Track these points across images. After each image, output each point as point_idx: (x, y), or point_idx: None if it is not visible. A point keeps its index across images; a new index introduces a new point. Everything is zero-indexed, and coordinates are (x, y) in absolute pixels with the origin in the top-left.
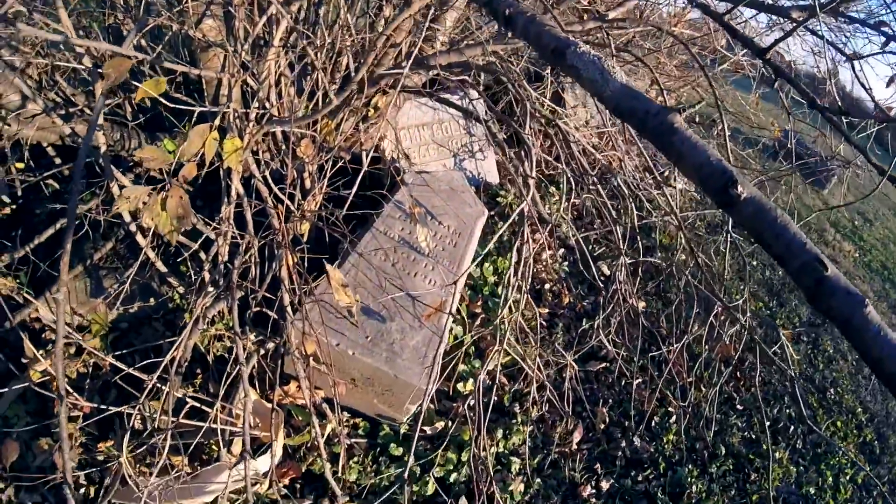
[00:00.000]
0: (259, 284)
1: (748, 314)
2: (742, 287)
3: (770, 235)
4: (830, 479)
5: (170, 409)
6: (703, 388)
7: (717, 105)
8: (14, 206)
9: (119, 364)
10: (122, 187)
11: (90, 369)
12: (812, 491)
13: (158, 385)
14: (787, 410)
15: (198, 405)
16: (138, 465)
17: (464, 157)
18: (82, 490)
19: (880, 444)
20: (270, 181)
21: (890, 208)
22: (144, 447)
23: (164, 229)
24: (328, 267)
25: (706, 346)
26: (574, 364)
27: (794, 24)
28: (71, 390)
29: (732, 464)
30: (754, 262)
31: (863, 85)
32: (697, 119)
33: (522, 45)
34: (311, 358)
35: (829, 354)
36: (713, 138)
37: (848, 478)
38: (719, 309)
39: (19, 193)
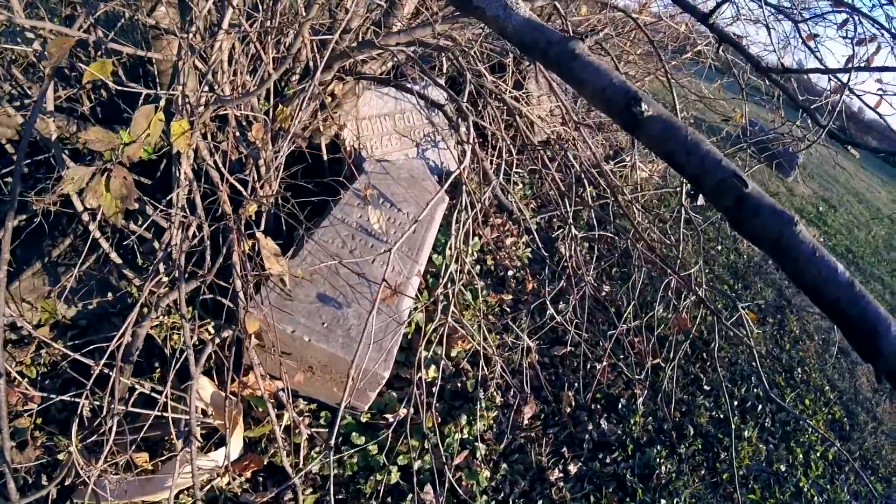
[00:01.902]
0: (210, 270)
1: (704, 287)
2: (706, 270)
3: (681, 154)
4: (801, 456)
5: (116, 395)
6: (668, 371)
7: (669, 88)
8: None
9: (66, 351)
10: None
11: (49, 368)
12: (783, 468)
13: (107, 371)
14: (755, 390)
15: (155, 395)
16: (94, 460)
17: (426, 146)
18: (44, 492)
19: (849, 420)
20: (221, 166)
21: (854, 195)
22: (99, 441)
23: (109, 211)
24: (258, 234)
25: (666, 321)
26: (531, 345)
27: None
28: (20, 379)
29: (701, 444)
30: (718, 248)
31: (819, 60)
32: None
33: (478, 29)
34: (254, 337)
35: (795, 335)
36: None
37: (819, 454)
38: (675, 282)
39: None
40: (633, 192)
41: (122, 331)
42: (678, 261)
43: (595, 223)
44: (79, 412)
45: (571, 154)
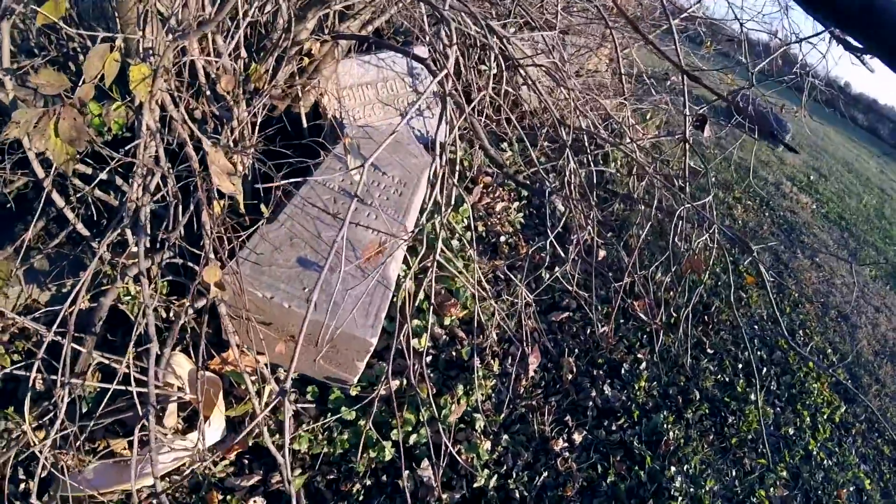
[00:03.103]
0: (175, 227)
1: (715, 224)
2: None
3: None
4: (808, 418)
5: (68, 365)
6: (672, 333)
7: (653, 47)
8: None
9: (13, 316)
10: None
11: (24, 356)
12: (791, 431)
13: (58, 340)
14: (759, 353)
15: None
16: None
17: (411, 115)
18: (21, 486)
19: (853, 383)
20: (187, 118)
21: (843, 165)
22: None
23: (59, 158)
24: (207, 146)
25: (673, 271)
26: (529, 296)
27: None
28: None
29: (708, 408)
30: (714, 213)
31: None
32: (651, 75)
33: None
34: (214, 287)
35: (794, 298)
36: (666, 91)
37: (825, 417)
38: (685, 220)
39: None
40: (632, 140)
41: (73, 295)
42: (683, 201)
43: (593, 175)
44: (30, 384)
45: (564, 106)
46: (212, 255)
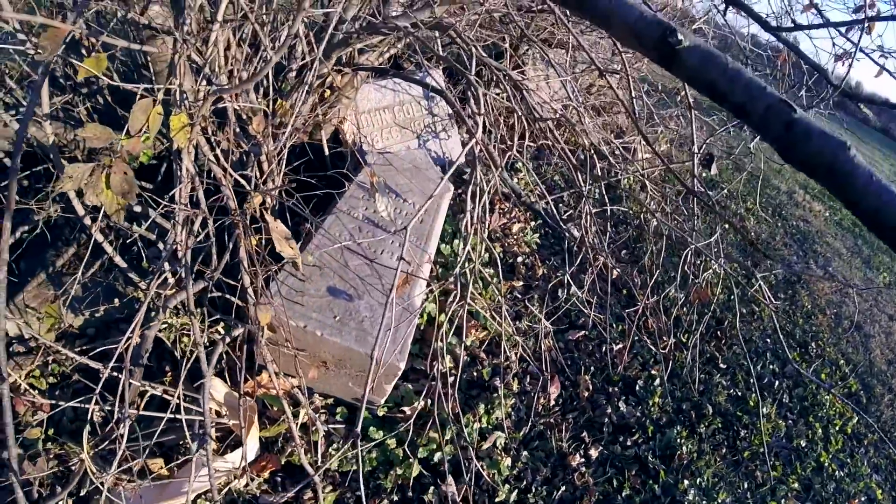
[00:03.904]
0: (217, 267)
1: (722, 257)
2: (715, 249)
3: (724, 82)
4: (820, 430)
5: (127, 399)
6: (685, 350)
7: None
8: None
9: (72, 355)
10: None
11: (59, 379)
12: (803, 443)
13: (116, 375)
14: (771, 366)
15: (167, 398)
16: (108, 467)
17: (427, 137)
18: (57, 499)
19: (866, 393)
20: (224, 161)
21: None
22: (112, 448)
23: (110, 208)
24: (268, 216)
25: (680, 300)
26: (549, 326)
27: None
28: (25, 386)
29: (721, 422)
30: (726, 226)
31: (823, 17)
32: (660, 89)
33: (474, 16)
34: (266, 329)
35: (807, 310)
36: (677, 105)
37: (837, 428)
38: (691, 254)
39: None
40: (642, 168)
41: (128, 331)
42: (693, 232)
43: (606, 201)
44: (89, 418)
45: (579, 129)
46: (248, 286)
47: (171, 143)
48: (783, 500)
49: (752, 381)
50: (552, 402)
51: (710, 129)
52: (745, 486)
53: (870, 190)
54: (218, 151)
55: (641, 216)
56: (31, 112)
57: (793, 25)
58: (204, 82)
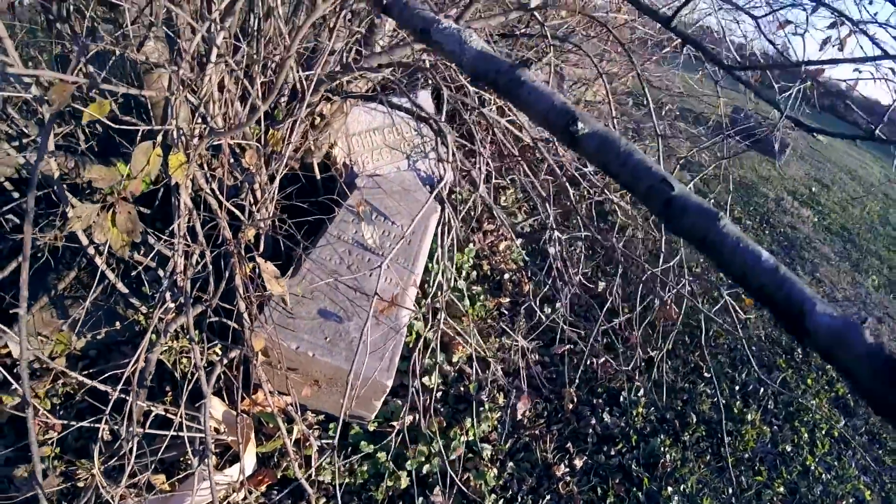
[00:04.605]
0: (215, 294)
1: (687, 278)
2: (701, 259)
3: (616, 165)
4: (806, 435)
5: (135, 418)
6: (661, 361)
7: (639, 81)
8: None
9: (84, 379)
10: (73, 207)
11: (63, 399)
12: (788, 448)
13: (124, 397)
14: (755, 374)
15: (170, 416)
16: (116, 483)
17: (417, 158)
18: None
19: (853, 396)
20: (218, 193)
21: (847, 172)
22: (119, 465)
23: (116, 245)
24: (258, 259)
25: (656, 313)
26: (526, 345)
27: None
28: (40, 408)
29: (705, 430)
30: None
31: (781, 54)
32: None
33: None
34: (261, 354)
35: None
36: (663, 118)
37: (824, 432)
38: (660, 276)
39: None
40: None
41: (136, 356)
42: (661, 254)
43: (582, 224)
44: (99, 436)
45: (553, 158)
46: (243, 311)
47: (169, 177)
48: None
49: (733, 388)
50: (521, 417)
51: (697, 140)
52: (730, 491)
53: (736, 256)
54: (213, 185)
55: (613, 240)
56: (42, 158)
57: (744, 65)
58: (199, 119)
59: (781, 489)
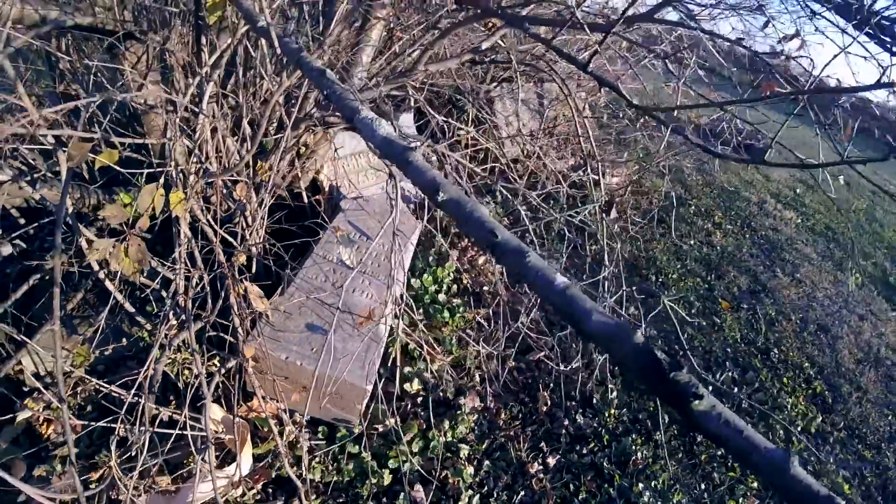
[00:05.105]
0: (212, 312)
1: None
2: (678, 266)
3: (464, 219)
4: (781, 432)
5: (147, 418)
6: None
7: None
8: None
9: (101, 384)
10: (88, 241)
11: (76, 410)
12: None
13: (133, 401)
14: (730, 374)
15: (175, 419)
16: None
17: (402, 177)
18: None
19: (832, 393)
20: (213, 223)
21: (834, 171)
22: (131, 466)
23: (128, 272)
24: (246, 283)
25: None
26: (493, 351)
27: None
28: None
29: (677, 430)
30: (692, 242)
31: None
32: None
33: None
34: (251, 360)
35: (771, 317)
36: (643, 128)
37: (800, 429)
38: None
39: None
40: (599, 198)
41: (146, 365)
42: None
43: (565, 232)
44: (116, 433)
45: (538, 168)
46: (238, 326)
47: (170, 211)
48: (742, 499)
49: (709, 389)
50: (467, 411)
51: (677, 147)
52: (703, 487)
53: (537, 282)
54: (209, 216)
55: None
56: (65, 200)
57: (653, 107)
58: (194, 159)
59: (755, 484)
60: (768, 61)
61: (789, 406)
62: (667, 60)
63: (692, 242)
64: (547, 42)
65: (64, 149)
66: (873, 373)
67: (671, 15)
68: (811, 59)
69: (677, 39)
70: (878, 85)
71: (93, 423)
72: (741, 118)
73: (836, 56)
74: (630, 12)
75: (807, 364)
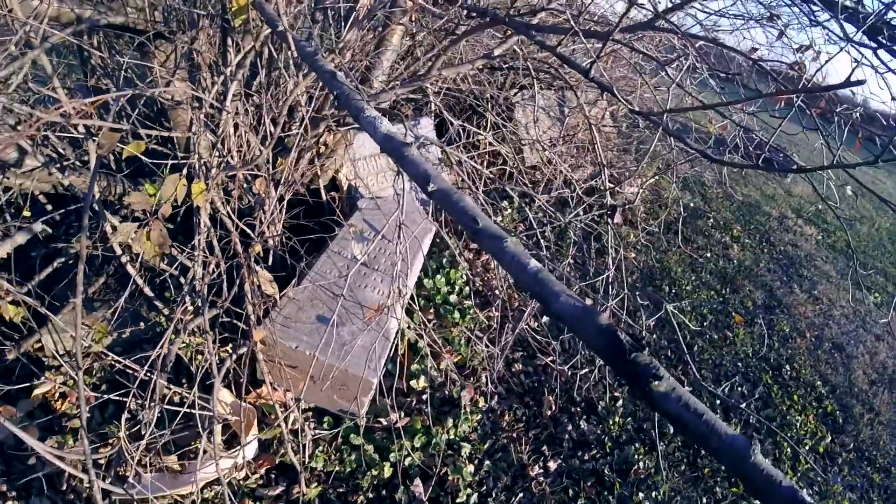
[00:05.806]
0: (227, 299)
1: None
2: (693, 278)
3: (451, 208)
4: (788, 450)
5: (158, 393)
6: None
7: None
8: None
9: (118, 359)
10: (113, 227)
11: (91, 387)
12: (770, 462)
13: (147, 378)
14: (741, 388)
15: (185, 400)
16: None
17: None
18: (85, 494)
19: (843, 413)
20: (232, 214)
21: (857, 188)
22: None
23: (149, 256)
24: (256, 267)
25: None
26: (496, 352)
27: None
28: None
29: (681, 441)
30: (707, 255)
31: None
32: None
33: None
34: (260, 343)
35: (784, 333)
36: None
37: (808, 448)
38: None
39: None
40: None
41: (160, 344)
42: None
43: (573, 239)
44: (127, 407)
45: (558, 175)
46: (251, 314)
47: (192, 202)
48: None
49: (716, 402)
50: (465, 402)
51: (696, 159)
52: (704, 500)
53: (512, 266)
54: (229, 208)
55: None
56: (93, 188)
57: (653, 111)
58: (217, 153)
59: (759, 502)
60: (771, 70)
61: (798, 424)
62: (667, 67)
63: (708, 255)
64: (552, 49)
65: (94, 138)
66: (887, 394)
67: (695, 28)
68: (819, 67)
69: (683, 48)
70: (847, 83)
71: (105, 396)
72: (746, 127)
73: (854, 69)
74: (632, 20)
75: (819, 382)
